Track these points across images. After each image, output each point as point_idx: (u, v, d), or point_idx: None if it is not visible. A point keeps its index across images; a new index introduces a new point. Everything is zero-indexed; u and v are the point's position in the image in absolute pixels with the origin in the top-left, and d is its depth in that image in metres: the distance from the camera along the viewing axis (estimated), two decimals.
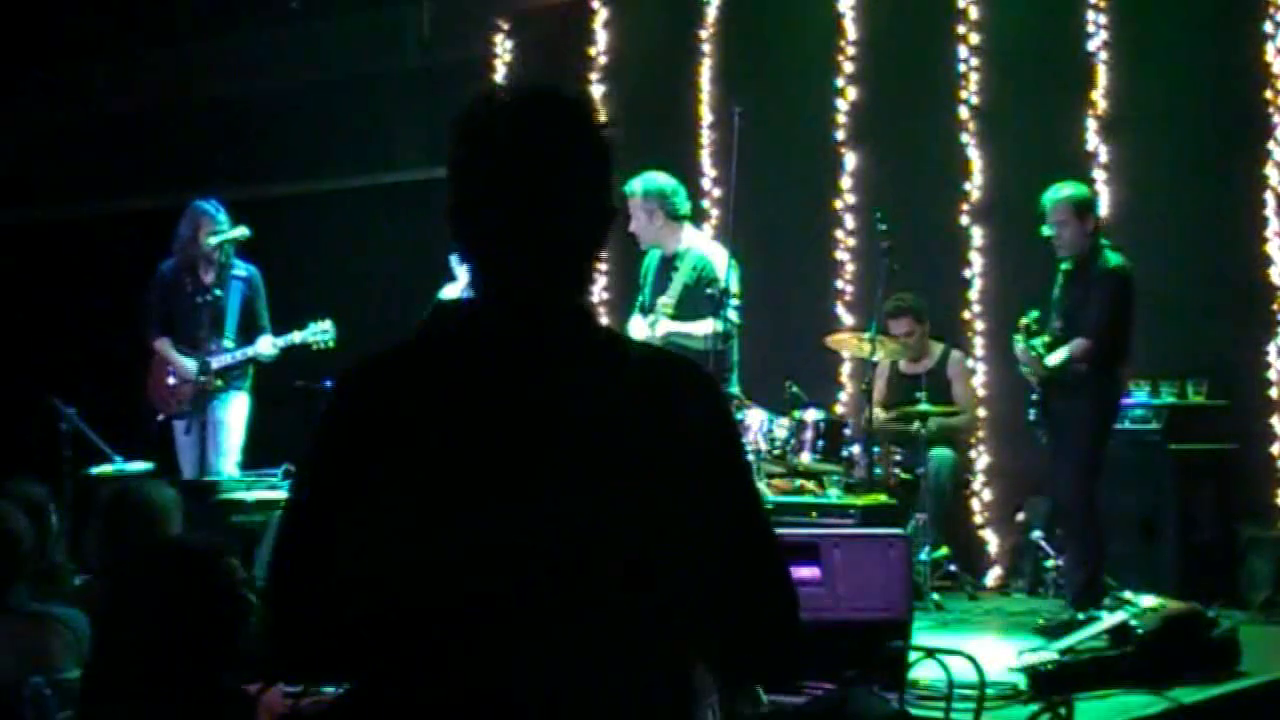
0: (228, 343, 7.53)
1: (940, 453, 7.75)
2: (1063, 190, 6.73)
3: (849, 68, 8.85)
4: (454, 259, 7.77)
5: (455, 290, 7.71)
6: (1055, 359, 6.60)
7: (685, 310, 7.07)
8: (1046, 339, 6.67)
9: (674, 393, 1.95)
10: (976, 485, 8.32)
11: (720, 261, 7.04)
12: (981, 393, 8.25)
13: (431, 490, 1.85)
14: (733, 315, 6.97)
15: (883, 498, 7.17)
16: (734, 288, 6.98)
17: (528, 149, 1.91)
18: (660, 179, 7.17)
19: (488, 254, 1.93)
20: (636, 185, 7.16)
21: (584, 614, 1.86)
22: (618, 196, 2.02)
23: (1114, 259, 6.67)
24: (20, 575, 3.94)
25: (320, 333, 7.49)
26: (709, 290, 6.91)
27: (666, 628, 1.92)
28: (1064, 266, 6.77)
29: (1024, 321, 6.70)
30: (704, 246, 7.24)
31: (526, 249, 1.91)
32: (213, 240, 7.53)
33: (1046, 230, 6.72)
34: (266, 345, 7.54)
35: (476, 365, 1.90)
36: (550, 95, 1.97)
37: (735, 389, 7.21)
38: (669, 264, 7.22)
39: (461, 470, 1.85)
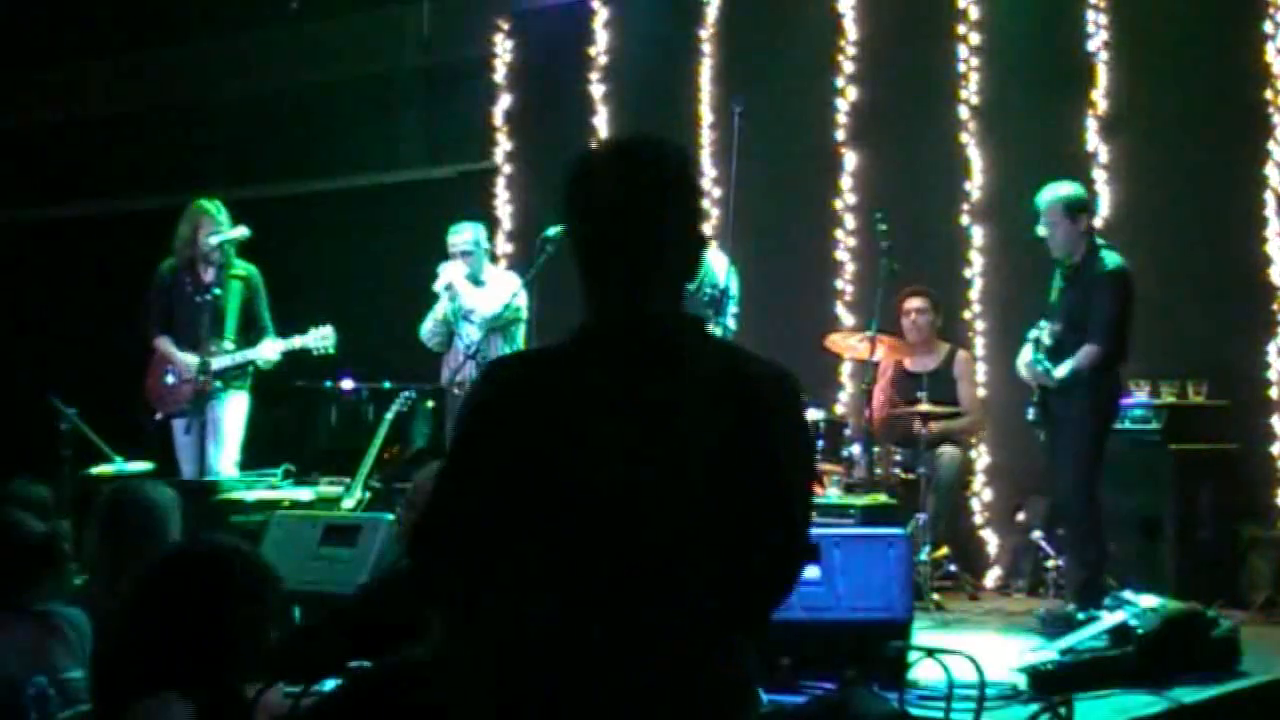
0: (228, 344, 7.53)
1: (948, 450, 7.77)
2: (1055, 191, 6.71)
3: (849, 68, 8.85)
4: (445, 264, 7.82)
5: (452, 272, 7.74)
6: (1062, 371, 6.58)
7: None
8: (1050, 344, 6.65)
9: (760, 394, 2.31)
10: (976, 485, 8.32)
11: (721, 267, 7.04)
12: (982, 393, 8.25)
13: (555, 462, 2.26)
14: (731, 321, 6.97)
15: (883, 498, 7.18)
16: (733, 292, 6.97)
17: (635, 197, 2.30)
18: None
19: (608, 280, 2.33)
20: None
21: (671, 577, 2.24)
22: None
23: (1111, 260, 6.65)
24: (34, 578, 3.95)
25: (321, 339, 7.50)
26: (709, 292, 6.91)
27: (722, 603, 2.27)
28: (1061, 268, 6.76)
29: (1034, 333, 6.67)
30: (707, 252, 7.23)
31: (639, 278, 2.31)
32: (213, 240, 7.53)
33: (1040, 231, 6.71)
34: (268, 350, 7.54)
35: (605, 367, 2.30)
36: (649, 145, 2.35)
37: None
38: None
39: (584, 449, 2.26)
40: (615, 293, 2.32)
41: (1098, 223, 7.68)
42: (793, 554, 2.38)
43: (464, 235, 7.94)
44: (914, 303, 8.08)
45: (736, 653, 2.34)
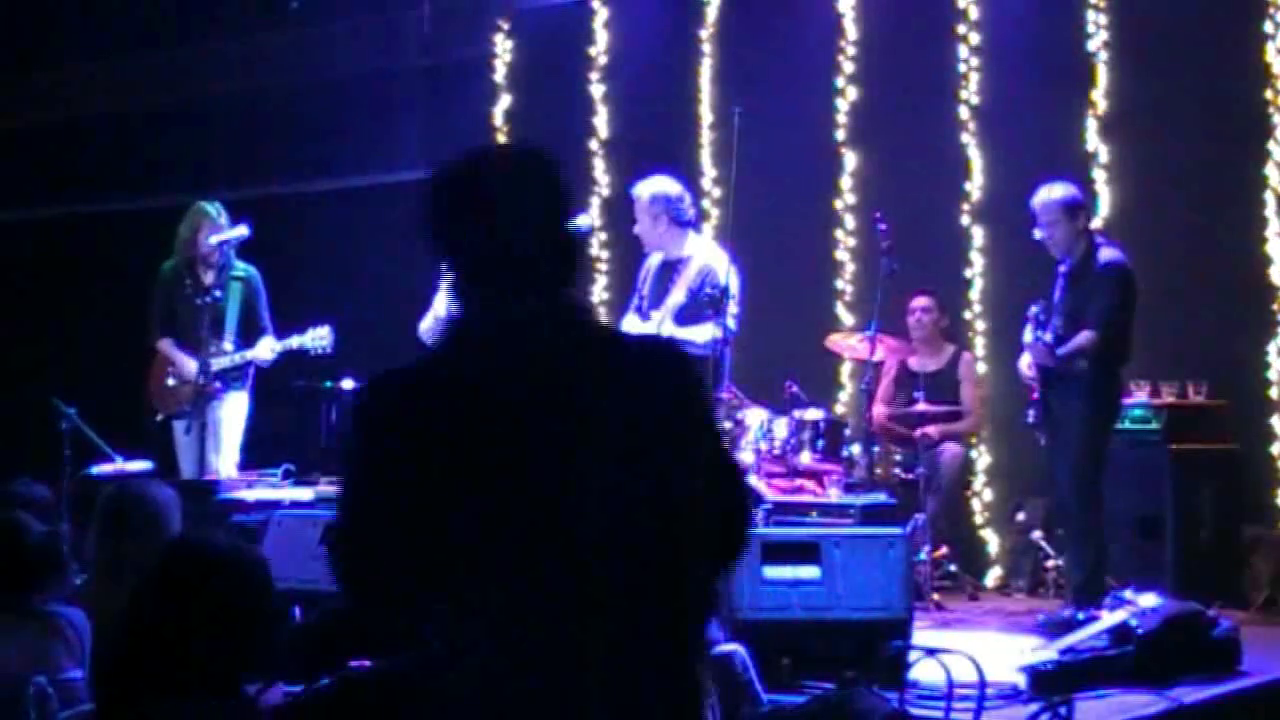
0: (227, 344, 7.54)
1: (948, 449, 7.78)
2: (1052, 191, 6.72)
3: (849, 68, 8.85)
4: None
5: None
6: (1064, 350, 6.59)
7: (687, 315, 7.07)
8: (1050, 339, 6.66)
9: (652, 369, 2.33)
10: (977, 485, 8.32)
11: (723, 269, 7.04)
12: (981, 392, 8.25)
13: (462, 467, 2.21)
14: (731, 322, 6.97)
15: (883, 498, 7.18)
16: (734, 292, 6.97)
17: (503, 197, 2.36)
18: (666, 184, 7.17)
19: (481, 279, 2.35)
20: (642, 189, 7.17)
21: (601, 565, 2.20)
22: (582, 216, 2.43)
23: (1111, 255, 6.66)
24: (34, 579, 3.95)
25: (318, 339, 7.50)
26: (709, 292, 6.91)
27: (671, 579, 2.25)
28: (1063, 268, 6.76)
29: (1033, 310, 6.68)
30: (708, 253, 7.22)
31: (516, 279, 2.32)
32: (213, 240, 7.54)
33: (1038, 233, 6.72)
34: (265, 350, 7.55)
35: (492, 364, 2.27)
36: (519, 152, 2.44)
37: (724, 394, 7.19)
38: (671, 268, 7.21)
39: (488, 446, 2.21)
40: (494, 294, 2.34)
41: (1098, 223, 7.69)
42: (748, 505, 2.50)
43: None
44: (920, 302, 8.10)
45: (690, 650, 2.34)
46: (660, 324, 7.12)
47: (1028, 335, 6.70)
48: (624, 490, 2.22)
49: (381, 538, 2.24)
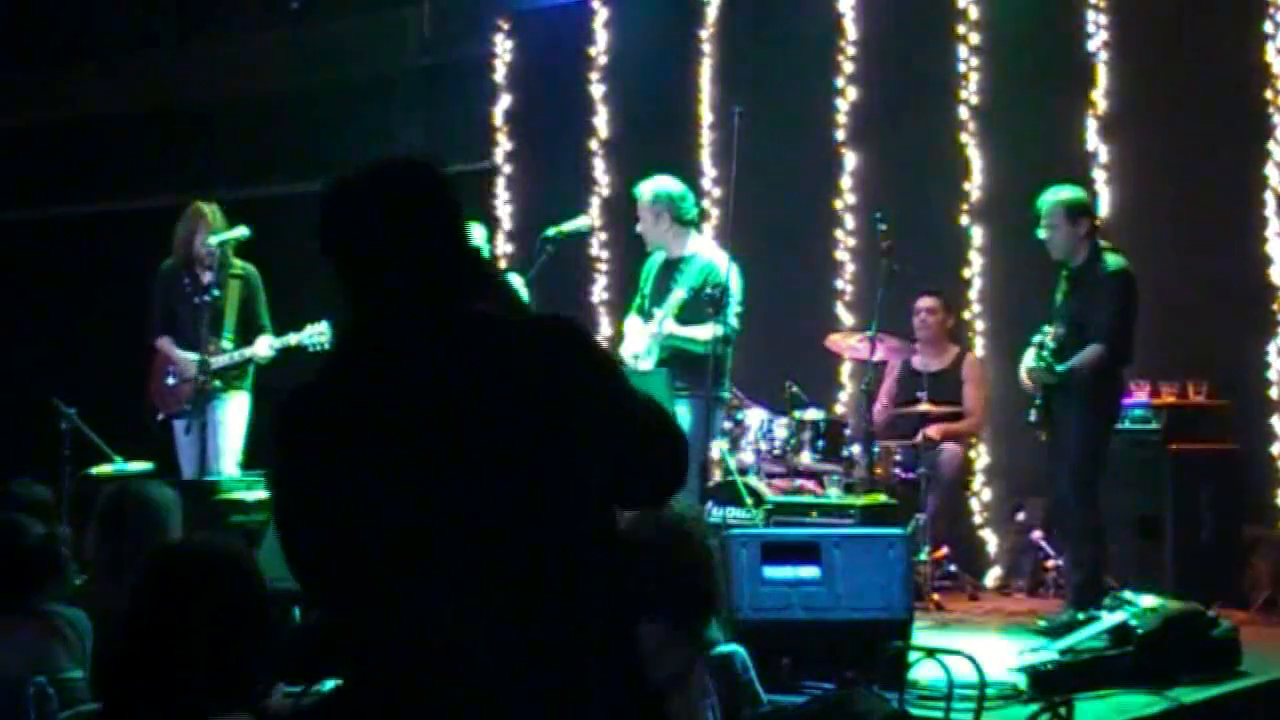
0: (226, 343, 7.54)
1: (948, 449, 7.78)
2: (1057, 194, 6.71)
3: (849, 68, 8.85)
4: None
5: None
6: (1069, 365, 6.56)
7: (689, 315, 7.07)
8: (1053, 346, 6.64)
9: (539, 351, 2.32)
10: (976, 485, 8.32)
11: (722, 266, 7.04)
12: (984, 393, 8.24)
13: (355, 466, 2.28)
14: (734, 320, 6.97)
15: (883, 498, 7.18)
16: (737, 294, 6.97)
17: (382, 212, 2.39)
18: (669, 184, 7.18)
19: (361, 291, 2.38)
20: (645, 189, 7.17)
21: (491, 551, 2.23)
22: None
23: (1114, 261, 6.65)
24: (34, 579, 3.95)
25: (316, 336, 7.50)
26: (711, 292, 6.91)
27: (574, 556, 2.27)
28: (1065, 271, 6.76)
29: (1039, 339, 6.65)
30: (711, 252, 7.23)
31: (388, 278, 2.36)
32: (212, 240, 7.54)
33: (1041, 233, 6.72)
34: (263, 347, 7.55)
35: (371, 376, 2.33)
36: (397, 166, 2.47)
37: (725, 393, 7.20)
38: (673, 267, 7.22)
39: (373, 447, 2.28)
40: (381, 304, 2.37)
41: (1097, 223, 7.69)
42: (681, 450, 2.46)
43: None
44: (925, 302, 8.10)
45: (627, 642, 2.36)
46: (662, 323, 7.13)
47: (1031, 359, 6.67)
48: (515, 478, 2.24)
49: (301, 550, 2.37)
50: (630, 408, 2.38)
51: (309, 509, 2.34)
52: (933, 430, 7.75)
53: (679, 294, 7.09)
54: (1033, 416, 6.81)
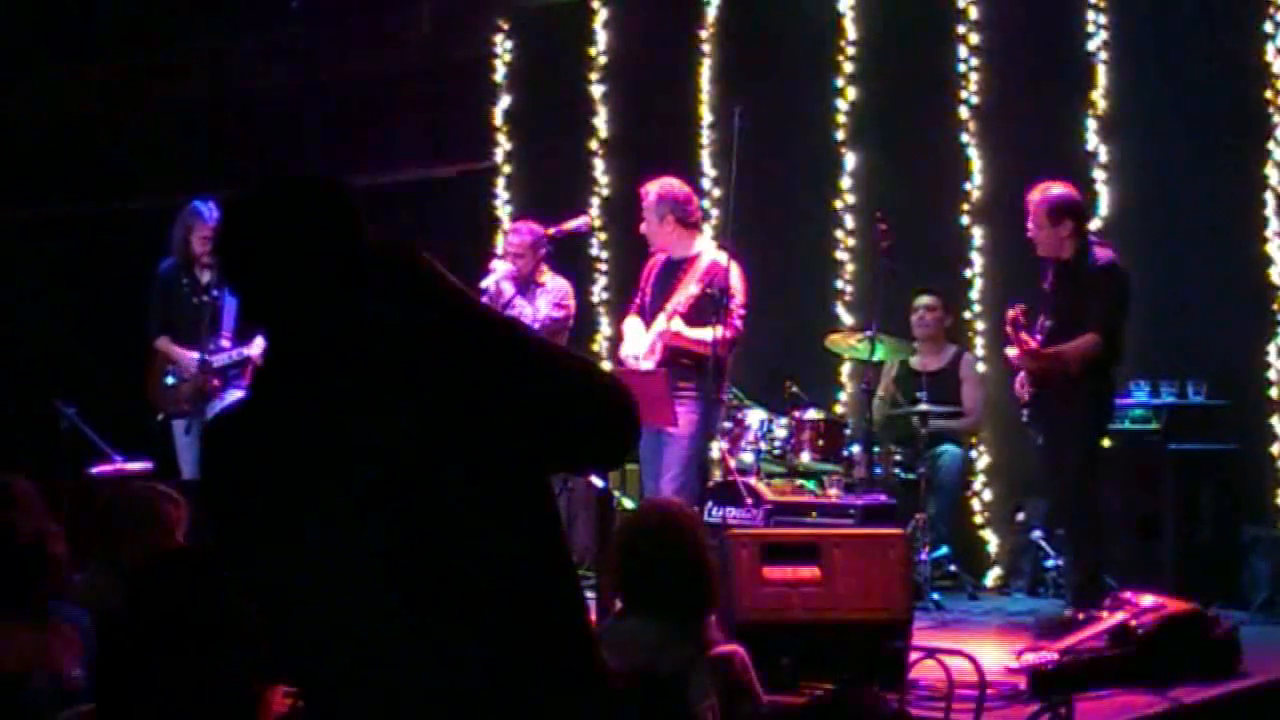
0: (224, 342, 7.55)
1: (949, 448, 7.77)
2: (1047, 191, 6.72)
3: (849, 68, 8.85)
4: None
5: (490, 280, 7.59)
6: (1061, 349, 6.56)
7: (693, 315, 7.05)
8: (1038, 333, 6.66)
9: (428, 351, 2.27)
10: (977, 485, 8.32)
11: (728, 270, 7.03)
12: (981, 393, 8.25)
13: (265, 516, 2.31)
14: (738, 322, 6.96)
15: (883, 498, 7.18)
16: (740, 296, 6.96)
17: (272, 233, 2.35)
18: (673, 185, 7.16)
19: (256, 313, 2.40)
20: (650, 189, 7.16)
21: (418, 598, 2.20)
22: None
23: (1102, 256, 6.66)
24: (33, 578, 3.95)
25: None
26: (712, 293, 6.90)
27: (506, 588, 2.22)
28: (1052, 266, 6.77)
29: (1011, 314, 6.68)
30: (714, 253, 7.22)
31: (290, 310, 2.33)
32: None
33: (1029, 229, 6.74)
34: (260, 346, 7.55)
35: (281, 405, 2.32)
36: (296, 185, 2.39)
37: (724, 395, 7.19)
38: (676, 267, 7.20)
39: (285, 495, 2.28)
40: (272, 328, 2.38)
41: (1097, 223, 7.70)
42: (603, 401, 2.31)
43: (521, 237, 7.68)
44: (924, 300, 8.11)
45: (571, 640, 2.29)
46: (666, 323, 7.11)
47: (1011, 350, 6.69)
48: (423, 484, 2.20)
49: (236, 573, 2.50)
50: (522, 388, 2.26)
51: (230, 540, 2.42)
52: (932, 424, 7.72)
53: (683, 295, 7.07)
54: (1026, 416, 6.82)
